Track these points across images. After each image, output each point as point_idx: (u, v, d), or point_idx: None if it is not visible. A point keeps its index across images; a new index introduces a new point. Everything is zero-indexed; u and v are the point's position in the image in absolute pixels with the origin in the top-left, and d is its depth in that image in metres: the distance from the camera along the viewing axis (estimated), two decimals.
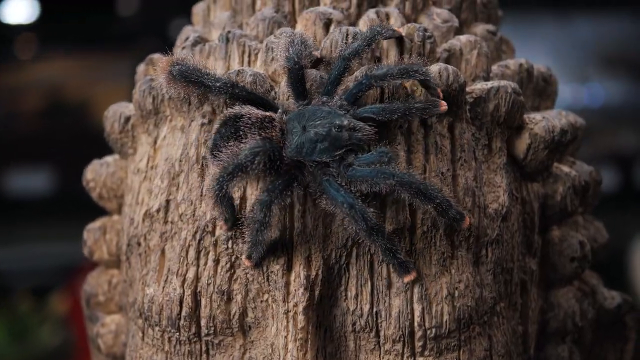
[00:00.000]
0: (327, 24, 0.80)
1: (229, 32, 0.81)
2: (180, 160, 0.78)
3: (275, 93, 0.76)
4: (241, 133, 0.72)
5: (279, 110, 0.74)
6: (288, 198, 0.71)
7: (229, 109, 0.74)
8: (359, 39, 0.74)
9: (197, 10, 0.93)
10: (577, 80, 2.75)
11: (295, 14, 0.84)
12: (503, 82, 0.78)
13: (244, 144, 0.71)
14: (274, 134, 0.72)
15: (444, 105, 0.72)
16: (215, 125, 0.74)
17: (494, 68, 0.83)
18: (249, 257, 0.72)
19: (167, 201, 0.78)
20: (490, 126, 0.78)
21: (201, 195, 0.76)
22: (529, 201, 0.81)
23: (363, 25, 0.80)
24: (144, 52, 0.94)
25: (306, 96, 0.74)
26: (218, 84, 0.73)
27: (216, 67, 0.81)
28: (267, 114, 0.73)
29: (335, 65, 0.74)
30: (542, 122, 0.80)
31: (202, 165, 0.77)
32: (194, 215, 0.76)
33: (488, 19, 0.90)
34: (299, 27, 0.81)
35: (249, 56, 0.80)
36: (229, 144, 0.71)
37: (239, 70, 0.76)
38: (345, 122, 0.70)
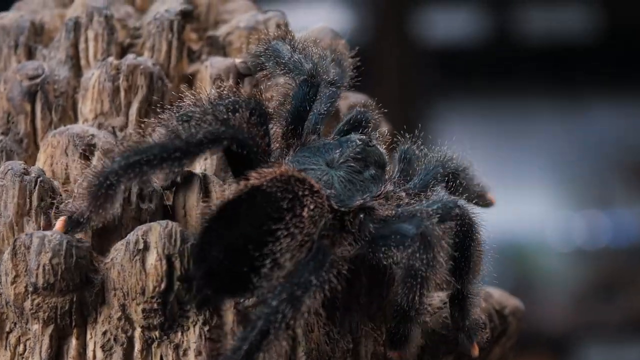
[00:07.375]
0: (86, 154, 0.78)
1: None
2: None
3: None
4: (292, 199, 0.71)
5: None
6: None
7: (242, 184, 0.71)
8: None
9: None
10: (593, 205, 2.77)
11: (36, 136, 0.83)
12: None
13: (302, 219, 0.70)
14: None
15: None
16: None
17: None
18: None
19: None
20: (357, 324, 0.77)
21: None
22: None
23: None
24: None
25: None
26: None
27: None
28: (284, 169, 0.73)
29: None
30: (444, 310, 0.80)
31: None
32: None
33: None
34: (42, 160, 0.80)
35: None
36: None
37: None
38: (366, 137, 0.80)
